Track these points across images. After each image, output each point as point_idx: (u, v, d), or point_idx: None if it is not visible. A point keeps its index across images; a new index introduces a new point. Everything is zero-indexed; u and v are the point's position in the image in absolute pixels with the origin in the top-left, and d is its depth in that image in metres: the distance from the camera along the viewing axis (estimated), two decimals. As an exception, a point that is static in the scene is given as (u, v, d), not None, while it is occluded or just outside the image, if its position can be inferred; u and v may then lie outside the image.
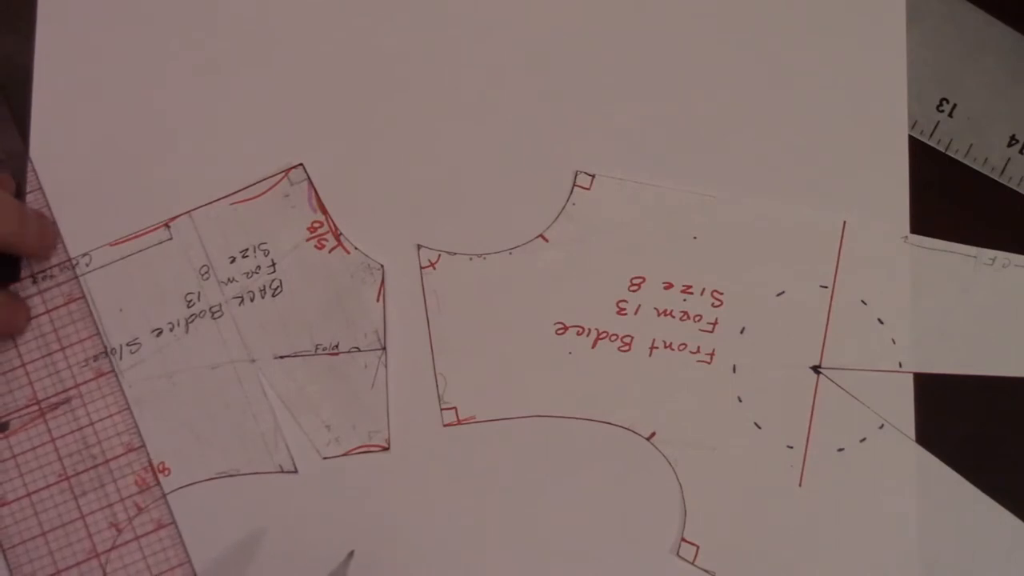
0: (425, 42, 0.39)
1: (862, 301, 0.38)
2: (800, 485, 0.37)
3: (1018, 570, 0.37)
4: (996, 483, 0.38)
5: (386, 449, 0.38)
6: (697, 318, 0.38)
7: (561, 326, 0.38)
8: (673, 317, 0.38)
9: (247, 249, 0.39)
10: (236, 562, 0.37)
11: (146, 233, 0.39)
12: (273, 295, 0.38)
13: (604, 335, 0.38)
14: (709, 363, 0.38)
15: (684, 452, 0.38)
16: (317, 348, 0.38)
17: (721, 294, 0.38)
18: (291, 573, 0.37)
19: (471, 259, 0.38)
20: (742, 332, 0.38)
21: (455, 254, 0.38)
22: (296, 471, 0.38)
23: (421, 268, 0.38)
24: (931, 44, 0.40)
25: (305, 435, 0.38)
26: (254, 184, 0.39)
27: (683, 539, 0.37)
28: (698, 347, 0.38)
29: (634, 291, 0.38)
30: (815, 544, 0.37)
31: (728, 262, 0.38)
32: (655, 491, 0.37)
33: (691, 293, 0.38)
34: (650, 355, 0.38)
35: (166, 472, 0.38)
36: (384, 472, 0.38)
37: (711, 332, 0.38)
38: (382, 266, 0.38)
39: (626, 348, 0.38)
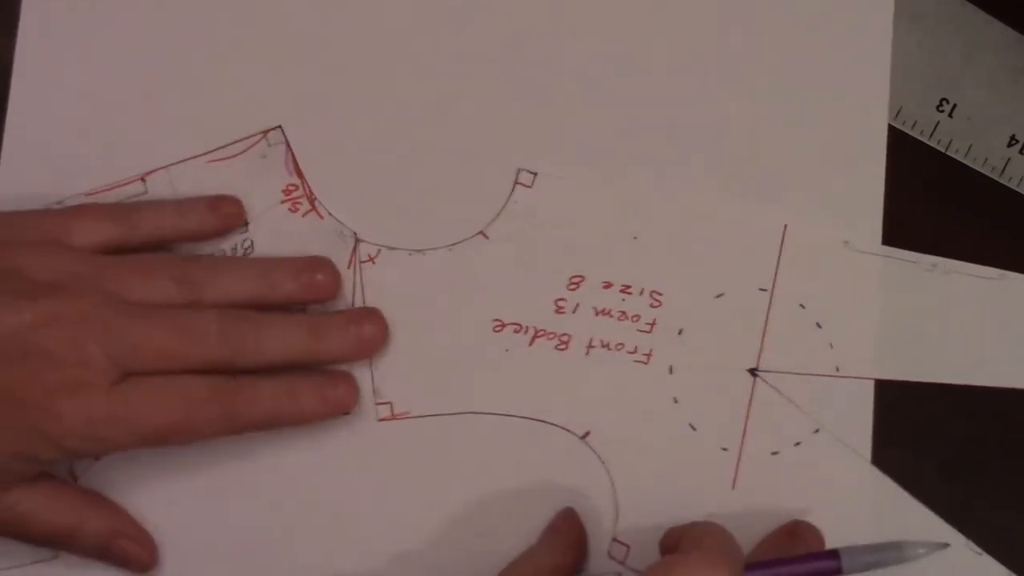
0: (368, 38, 0.40)
1: (800, 305, 0.38)
2: (733, 487, 0.37)
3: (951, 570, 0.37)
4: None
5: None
6: (635, 318, 0.38)
7: (499, 323, 0.38)
8: (611, 317, 0.38)
9: (220, 207, 0.39)
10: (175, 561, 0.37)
11: (121, 185, 0.39)
12: (244, 255, 0.38)
13: (542, 333, 0.38)
14: (646, 363, 0.38)
15: (618, 452, 0.38)
16: (287, 311, 0.38)
17: (660, 295, 0.38)
18: (227, 568, 0.38)
19: (410, 254, 0.39)
20: (680, 333, 0.38)
21: (395, 249, 0.39)
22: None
23: (360, 263, 0.38)
24: (931, 44, 0.40)
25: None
26: (232, 144, 0.39)
27: (614, 539, 0.37)
28: (635, 347, 0.38)
29: (573, 290, 0.38)
30: (748, 546, 0.37)
31: (668, 263, 0.38)
32: (588, 490, 0.37)
33: (630, 293, 0.38)
34: (587, 354, 0.38)
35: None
36: (316, 465, 0.38)
37: (649, 332, 0.38)
38: (355, 233, 0.38)
39: (563, 347, 0.38)
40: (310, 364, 0.37)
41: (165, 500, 0.38)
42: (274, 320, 0.36)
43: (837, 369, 0.38)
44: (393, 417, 0.38)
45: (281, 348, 0.36)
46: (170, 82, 0.39)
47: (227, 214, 0.38)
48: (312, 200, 0.39)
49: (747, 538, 0.36)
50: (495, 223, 0.39)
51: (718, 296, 0.38)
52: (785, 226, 0.39)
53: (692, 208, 0.39)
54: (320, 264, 0.37)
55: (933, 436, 0.38)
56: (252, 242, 0.38)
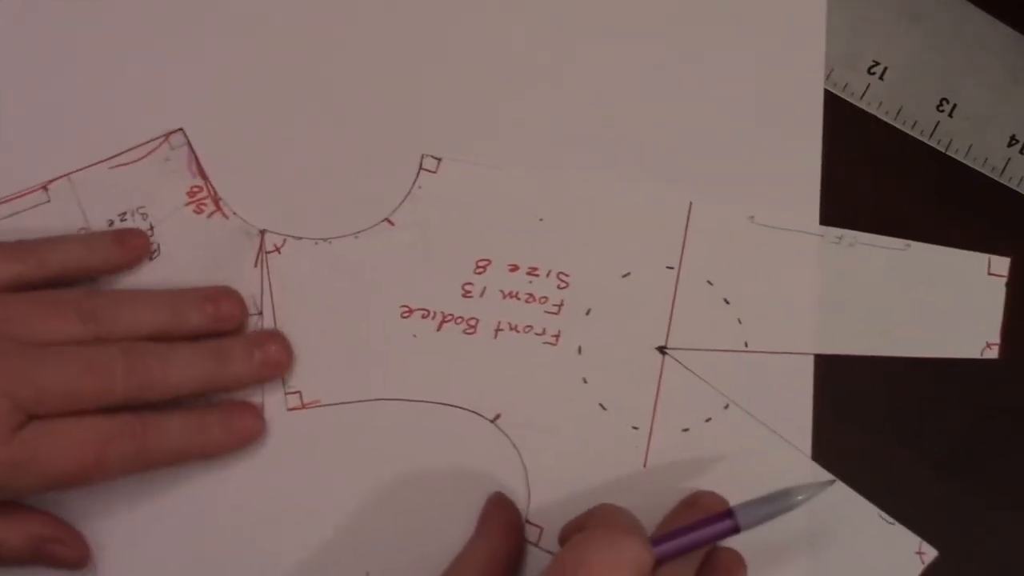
0: (262, 30, 0.40)
1: (708, 282, 0.38)
2: (645, 466, 0.37)
3: (862, 543, 0.37)
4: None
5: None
6: (543, 300, 0.38)
7: (406, 309, 0.38)
8: (519, 299, 0.38)
9: (125, 213, 0.39)
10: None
11: (23, 195, 0.38)
12: (151, 259, 0.38)
13: (449, 318, 0.38)
14: (555, 345, 0.38)
15: (528, 434, 0.38)
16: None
17: (567, 276, 0.38)
18: (138, 560, 0.37)
19: (316, 243, 0.39)
20: (588, 313, 0.38)
21: (300, 238, 0.39)
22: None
23: (266, 253, 0.38)
24: (931, 44, 0.40)
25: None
26: (134, 148, 0.39)
27: (527, 521, 0.37)
28: (543, 329, 0.38)
29: (480, 274, 0.38)
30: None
31: (574, 244, 0.38)
32: (499, 473, 0.37)
33: (537, 275, 0.38)
34: (495, 337, 0.38)
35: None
36: (228, 455, 0.38)
37: (556, 314, 0.38)
38: (261, 232, 0.38)
39: (471, 331, 0.38)
40: (219, 391, 0.37)
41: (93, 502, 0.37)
42: (179, 350, 0.36)
43: (746, 344, 0.38)
44: (303, 406, 0.38)
45: (188, 378, 0.35)
46: (69, 88, 0.39)
47: (134, 246, 0.38)
48: (217, 201, 0.39)
49: (659, 516, 0.36)
50: (400, 209, 0.39)
51: (625, 275, 0.38)
52: (691, 203, 0.39)
53: (597, 188, 0.39)
54: (225, 294, 0.37)
55: (929, 431, 0.38)
56: (159, 246, 0.38)
